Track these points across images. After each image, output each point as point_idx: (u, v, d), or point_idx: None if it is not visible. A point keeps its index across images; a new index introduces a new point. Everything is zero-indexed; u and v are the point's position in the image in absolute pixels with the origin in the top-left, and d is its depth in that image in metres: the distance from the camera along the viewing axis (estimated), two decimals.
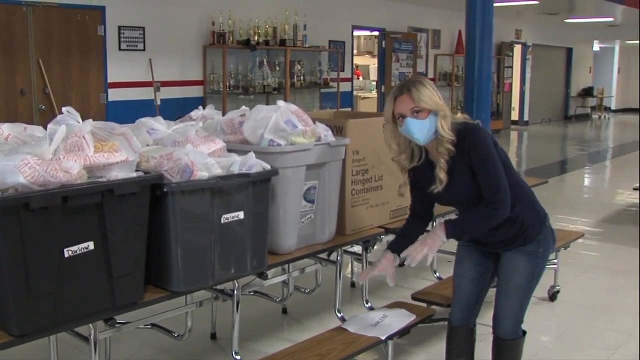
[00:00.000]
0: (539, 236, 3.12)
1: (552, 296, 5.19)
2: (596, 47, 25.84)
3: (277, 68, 10.59)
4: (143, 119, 3.27)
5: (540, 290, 5.14)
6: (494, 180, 2.92)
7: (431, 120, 2.91)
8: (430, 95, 2.91)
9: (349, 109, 12.47)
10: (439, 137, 2.93)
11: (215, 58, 9.90)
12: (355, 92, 13.85)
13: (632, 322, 4.78)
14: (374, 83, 14.89)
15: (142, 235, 2.69)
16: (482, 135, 2.95)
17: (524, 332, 3.29)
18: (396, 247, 3.19)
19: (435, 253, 5.22)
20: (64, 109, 2.64)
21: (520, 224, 3.06)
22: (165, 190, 2.71)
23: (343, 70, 12.17)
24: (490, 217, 2.96)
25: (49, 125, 2.56)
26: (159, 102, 9.22)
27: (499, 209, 2.93)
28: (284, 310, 4.86)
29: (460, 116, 3.03)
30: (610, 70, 27.43)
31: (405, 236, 3.21)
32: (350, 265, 5.56)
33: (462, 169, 2.93)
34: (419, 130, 2.91)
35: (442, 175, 2.94)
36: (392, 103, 2.97)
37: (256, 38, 10.23)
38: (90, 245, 2.50)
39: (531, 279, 3.15)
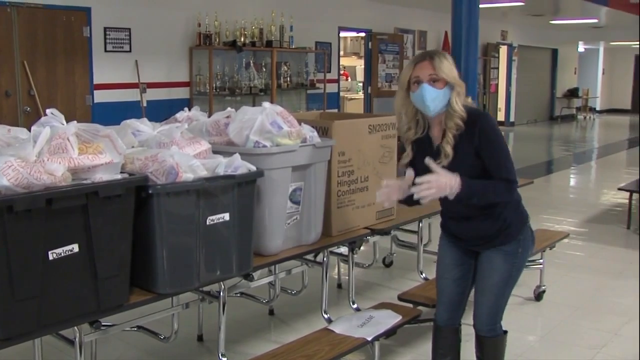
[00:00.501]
0: (519, 236, 3.14)
1: (538, 296, 5.21)
2: (581, 48, 25.98)
3: (264, 69, 10.57)
4: (128, 121, 3.26)
5: (526, 290, 5.17)
6: (507, 162, 2.97)
7: (445, 93, 2.95)
8: (451, 68, 2.96)
9: (336, 110, 12.47)
10: (450, 112, 2.96)
11: (201, 59, 9.88)
12: (341, 94, 13.84)
13: (617, 321, 4.81)
14: (361, 84, 14.89)
15: (127, 237, 2.68)
16: (493, 120, 3.01)
17: (505, 332, 3.30)
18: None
19: (422, 254, 5.24)
20: (48, 111, 2.63)
21: (503, 220, 3.08)
22: (150, 192, 2.70)
23: (329, 72, 12.16)
24: (503, 192, 2.98)
25: (33, 127, 2.54)
26: (145, 104, 9.20)
27: (513, 189, 2.98)
28: (271, 312, 4.86)
29: (470, 101, 3.06)
30: (595, 71, 27.57)
31: None
32: (336, 266, 5.56)
33: (466, 150, 2.95)
34: (433, 98, 2.94)
35: (448, 149, 2.96)
36: (411, 68, 2.99)
37: (242, 39, 10.21)
38: (75, 247, 2.49)
39: (508, 278, 3.16)
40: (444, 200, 3.15)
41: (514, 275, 3.18)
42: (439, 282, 3.36)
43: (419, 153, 3.09)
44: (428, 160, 2.91)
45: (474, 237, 3.16)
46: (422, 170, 2.96)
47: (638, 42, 22.97)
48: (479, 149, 2.94)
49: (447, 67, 2.95)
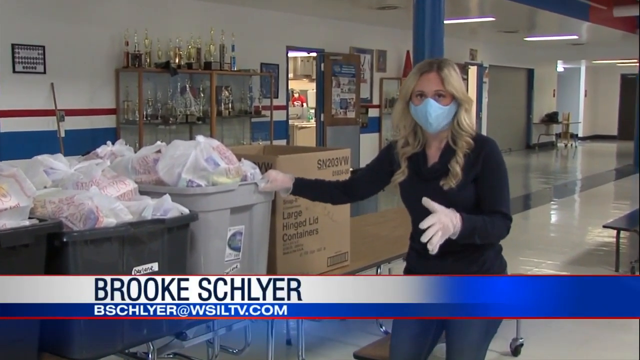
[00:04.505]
0: None
1: (515, 350, 5.25)
2: (560, 67, 26.51)
3: (202, 95, 10.59)
4: (40, 157, 3.23)
5: (502, 343, 5.20)
6: (507, 197, 3.03)
7: (451, 109, 3.00)
8: (460, 81, 3.02)
9: (284, 142, 12.52)
10: (459, 130, 3.01)
11: (129, 83, 9.86)
12: (291, 122, 13.91)
13: None
14: (313, 111, 14.96)
15: None
16: (499, 150, 3.07)
17: None
18: (301, 183, 3.44)
19: None
20: None
21: (482, 264, 3.08)
22: (64, 240, 2.68)
23: (277, 97, 12.24)
24: (502, 230, 3.01)
25: None
26: (63, 134, 9.11)
27: (509, 227, 3.02)
28: None
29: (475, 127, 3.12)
30: (576, 93, 28.16)
31: (321, 187, 3.48)
32: (286, 320, 5.53)
33: (466, 176, 3.00)
34: (437, 115, 2.99)
35: (457, 169, 2.99)
36: (415, 79, 3.03)
37: (177, 60, 10.23)
38: None
39: (486, 333, 3.17)
40: (417, 227, 3.16)
41: (492, 329, 3.18)
42: (393, 338, 3.33)
43: (411, 169, 3.14)
44: (425, 200, 2.87)
45: None
46: (409, 188, 3.06)
47: (624, 60, 23.58)
48: (479, 176, 2.99)
49: (457, 81, 3.00)
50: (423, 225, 2.80)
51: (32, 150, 3.49)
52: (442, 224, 2.78)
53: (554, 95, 25.85)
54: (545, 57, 23.30)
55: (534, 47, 21.30)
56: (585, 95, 28.46)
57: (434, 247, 2.76)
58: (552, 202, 13.68)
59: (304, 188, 3.48)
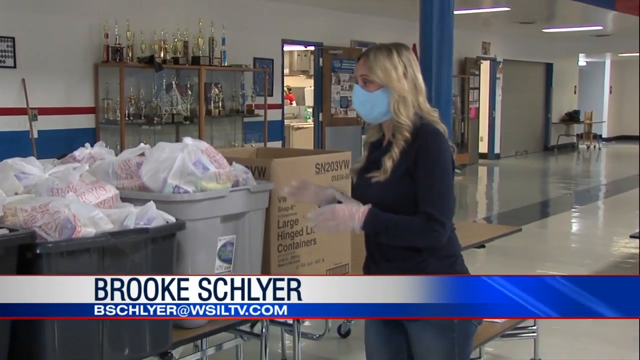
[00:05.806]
0: None
1: None
2: (582, 62, 26.50)
3: (189, 92, 10.60)
4: (10, 160, 3.22)
5: None
6: (439, 194, 2.96)
7: (380, 97, 3.04)
8: (389, 68, 3.03)
9: (279, 144, 12.53)
10: (395, 123, 3.04)
11: (110, 79, 9.85)
12: (287, 122, 13.92)
13: None
14: (310, 110, 14.96)
15: None
16: (439, 139, 3.02)
17: None
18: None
19: None
20: None
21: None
22: (38, 251, 2.67)
23: (271, 95, 12.23)
24: (422, 234, 2.95)
25: None
26: (36, 135, 9.09)
27: (436, 231, 2.93)
28: None
29: (435, 116, 3.09)
30: (600, 89, 28.13)
31: None
32: (281, 338, 5.54)
33: (400, 169, 3.00)
34: (361, 102, 3.12)
35: (388, 164, 3.00)
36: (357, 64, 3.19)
37: (162, 55, 10.23)
38: None
39: (449, 358, 3.08)
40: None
41: (459, 353, 3.09)
42: None
43: (367, 158, 3.22)
44: (333, 192, 3.15)
45: None
46: (356, 177, 3.17)
47: None
48: (414, 168, 2.97)
49: (383, 67, 3.02)
50: (319, 210, 3.06)
51: (1, 152, 3.49)
52: (335, 213, 3.00)
53: (575, 92, 25.82)
54: (565, 51, 23.28)
55: (552, 39, 21.29)
56: (610, 92, 28.43)
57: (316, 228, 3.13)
58: (573, 210, 13.67)
59: None
